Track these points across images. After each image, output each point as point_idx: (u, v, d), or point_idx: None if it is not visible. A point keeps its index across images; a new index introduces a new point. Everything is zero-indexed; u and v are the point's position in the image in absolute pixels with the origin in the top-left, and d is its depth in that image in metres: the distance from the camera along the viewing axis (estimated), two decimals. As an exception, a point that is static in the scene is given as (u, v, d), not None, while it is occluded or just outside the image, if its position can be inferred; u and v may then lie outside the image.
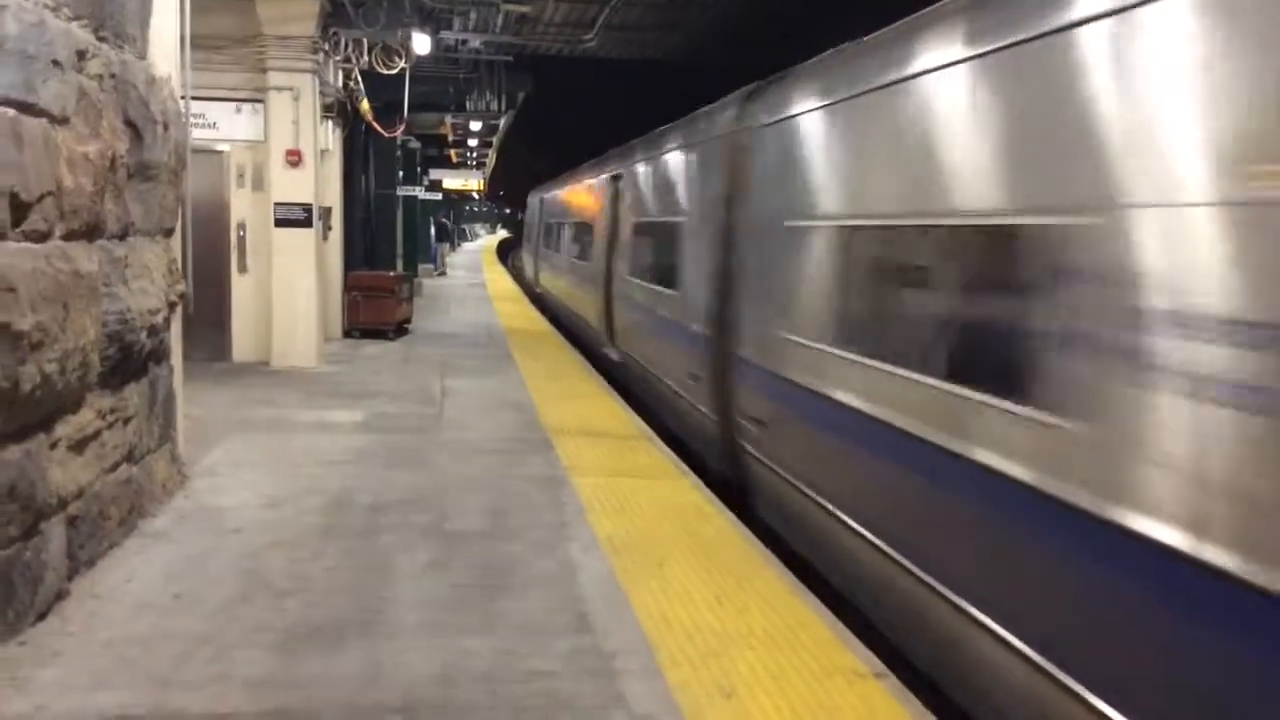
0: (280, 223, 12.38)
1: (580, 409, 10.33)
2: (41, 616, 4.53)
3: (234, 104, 12.25)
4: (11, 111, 4.18)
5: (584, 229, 16.90)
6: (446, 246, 40.31)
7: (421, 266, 29.88)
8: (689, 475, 7.79)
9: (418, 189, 27.43)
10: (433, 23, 13.73)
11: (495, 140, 31.32)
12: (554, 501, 6.88)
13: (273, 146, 12.38)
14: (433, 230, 38.27)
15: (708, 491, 7.31)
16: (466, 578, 5.37)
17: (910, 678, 4.53)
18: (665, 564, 5.66)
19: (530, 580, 5.37)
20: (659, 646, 4.55)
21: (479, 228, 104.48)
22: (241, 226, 12.60)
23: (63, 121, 4.72)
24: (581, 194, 17.82)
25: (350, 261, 16.74)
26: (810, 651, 4.56)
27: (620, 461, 8.11)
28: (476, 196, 64.25)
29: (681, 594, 5.21)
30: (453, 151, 33.69)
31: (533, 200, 30.35)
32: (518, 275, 36.66)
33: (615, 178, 14.06)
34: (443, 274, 35.42)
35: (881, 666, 4.45)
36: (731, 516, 6.68)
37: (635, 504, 6.85)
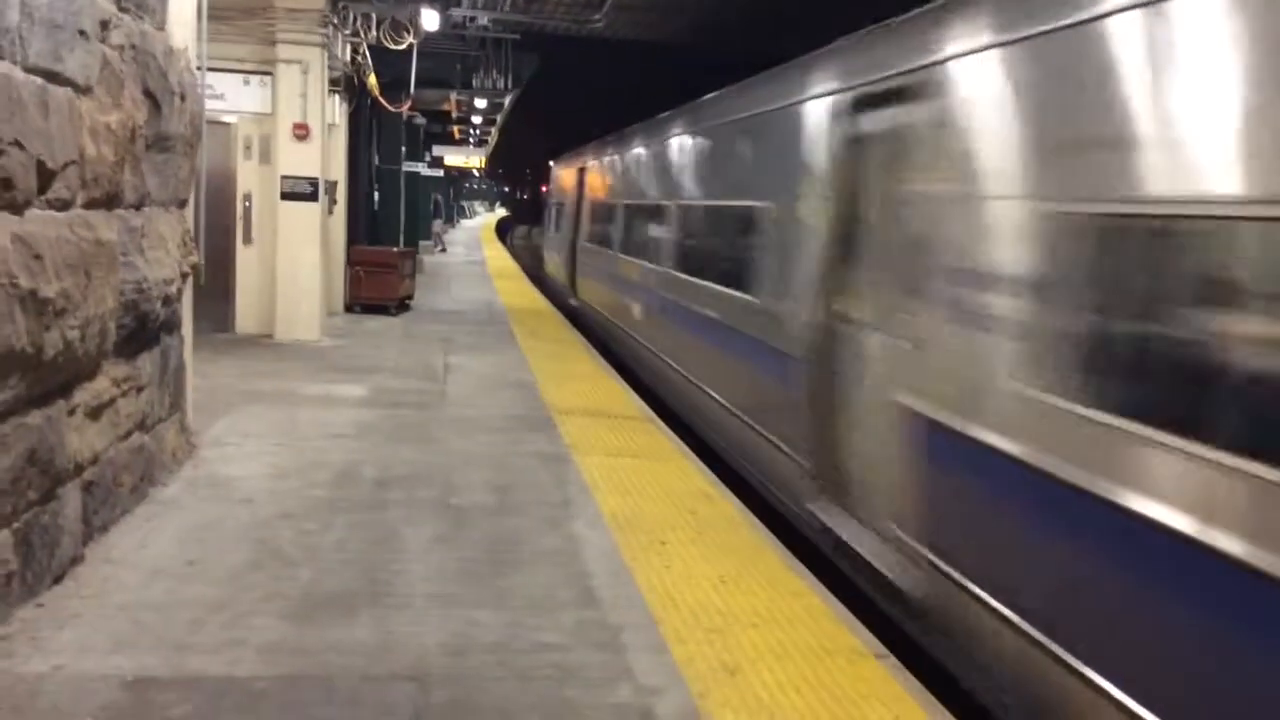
0: (286, 196, 12.42)
1: (582, 389, 10.40)
2: (58, 580, 4.60)
3: (242, 76, 12.26)
4: (39, 80, 4.23)
5: (717, 221, 9.29)
6: (439, 223, 39.62)
7: (422, 244, 29.88)
8: (691, 458, 7.87)
9: (421, 165, 27.44)
10: (442, -1, 13.73)
11: (499, 119, 31.27)
12: (558, 479, 6.95)
13: (280, 119, 12.40)
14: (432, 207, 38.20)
15: (711, 474, 7.39)
16: (473, 552, 5.45)
17: (911, 659, 4.62)
18: (669, 542, 5.74)
19: (536, 555, 5.45)
20: (664, 622, 4.64)
21: (478, 205, 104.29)
22: (247, 198, 12.63)
23: (86, 91, 4.76)
24: (709, 153, 10.05)
25: (353, 236, 16.77)
26: (812, 631, 4.65)
27: (623, 441, 8.18)
28: (477, 174, 64.27)
29: (685, 572, 5.29)
30: (456, 128, 33.66)
31: (562, 172, 21.58)
32: (517, 256, 36.58)
33: (869, 99, 6.09)
34: (443, 250, 35.43)
35: (882, 648, 4.54)
36: (735, 500, 6.77)
37: (638, 483, 6.93)
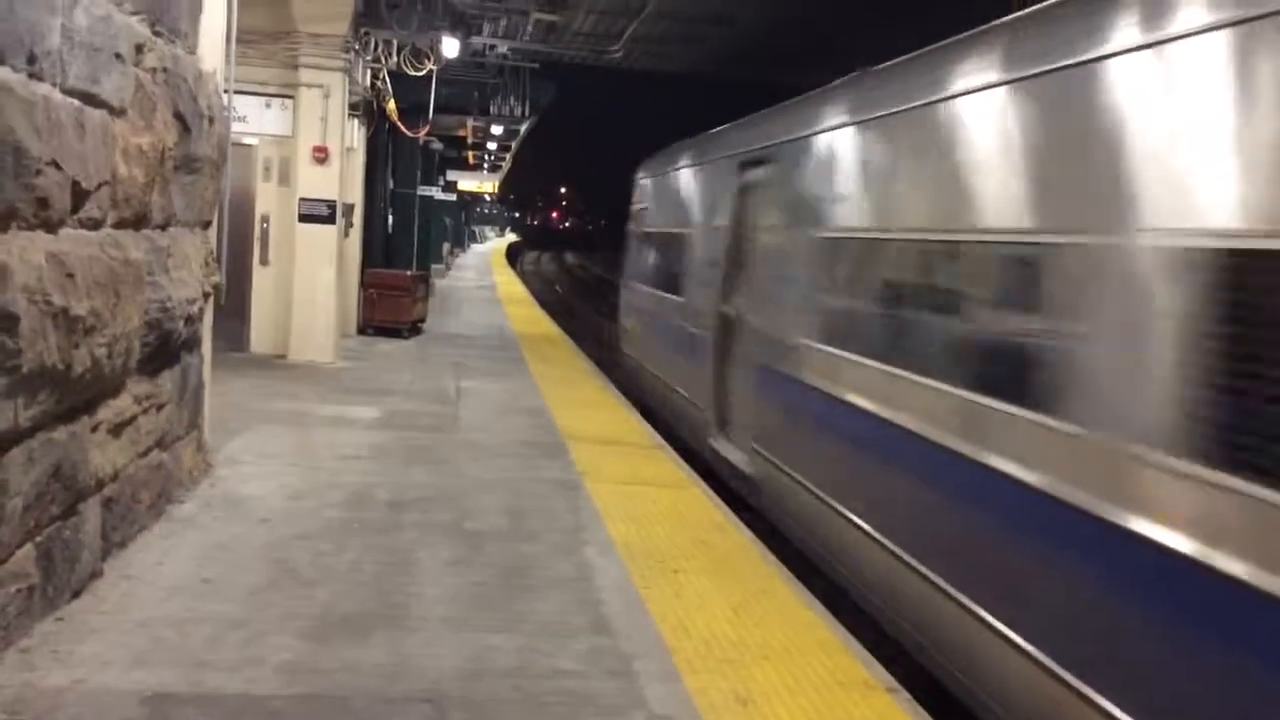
0: (304, 218, 12.54)
1: (594, 416, 10.44)
2: (77, 594, 4.64)
3: (264, 99, 12.41)
4: (76, 102, 4.31)
5: None
6: (447, 246, 39.71)
7: (433, 267, 30.08)
8: (702, 486, 7.90)
9: (434, 189, 27.65)
10: (464, 27, 13.89)
11: (514, 145, 31.49)
12: (570, 505, 6.98)
13: (300, 142, 12.54)
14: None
15: (722, 504, 7.42)
16: (487, 576, 5.48)
17: (922, 693, 4.63)
18: (682, 571, 5.76)
19: (549, 581, 5.47)
20: (677, 651, 4.65)
21: (488, 230, 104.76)
22: (265, 219, 12.75)
23: (120, 113, 4.85)
24: None
25: (368, 259, 16.89)
26: (825, 664, 4.67)
27: (635, 470, 8.22)
28: (488, 199, 64.63)
29: (697, 602, 5.31)
30: (470, 154, 33.90)
31: (676, 179, 11.94)
32: (527, 281, 36.71)
33: None
34: (449, 268, 35.77)
35: (894, 682, 4.56)
36: (747, 531, 6.79)
37: (651, 512, 6.96)
